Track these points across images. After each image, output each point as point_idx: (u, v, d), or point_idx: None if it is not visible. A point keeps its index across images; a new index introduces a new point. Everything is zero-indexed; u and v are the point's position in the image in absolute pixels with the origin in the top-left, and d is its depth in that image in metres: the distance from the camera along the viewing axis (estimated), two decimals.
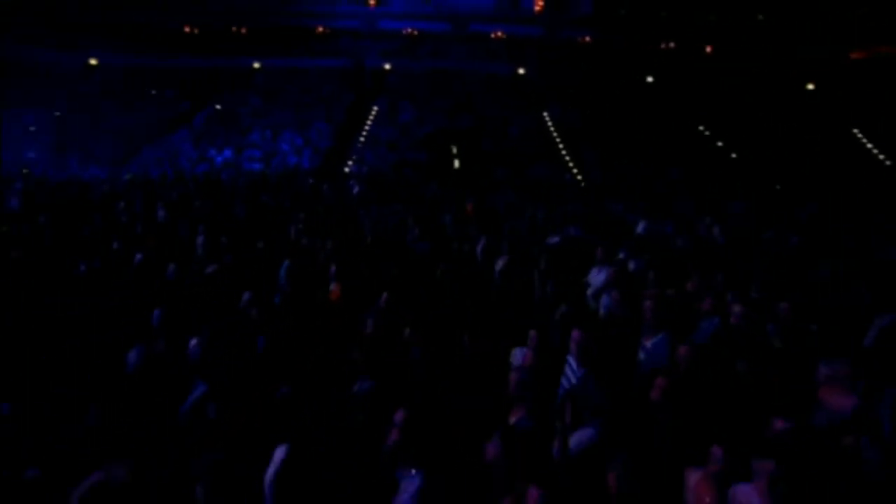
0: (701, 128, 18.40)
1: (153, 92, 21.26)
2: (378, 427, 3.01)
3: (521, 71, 22.07)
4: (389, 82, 21.93)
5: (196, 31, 25.09)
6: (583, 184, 14.29)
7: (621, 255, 5.65)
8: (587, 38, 23.18)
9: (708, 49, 22.50)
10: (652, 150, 15.59)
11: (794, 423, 2.53)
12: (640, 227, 7.30)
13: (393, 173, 14.99)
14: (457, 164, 16.24)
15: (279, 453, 2.75)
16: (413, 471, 2.60)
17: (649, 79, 21.36)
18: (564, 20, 23.04)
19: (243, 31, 24.95)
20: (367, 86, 21.68)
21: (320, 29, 24.53)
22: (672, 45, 22.70)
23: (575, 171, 15.72)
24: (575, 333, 3.40)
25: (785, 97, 19.34)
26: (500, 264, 5.40)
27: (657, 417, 2.87)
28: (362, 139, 18.87)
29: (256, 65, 23.04)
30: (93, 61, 22.34)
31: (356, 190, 11.48)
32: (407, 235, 7.15)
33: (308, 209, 8.95)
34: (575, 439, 2.79)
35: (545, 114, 19.51)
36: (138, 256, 6.13)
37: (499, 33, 23.47)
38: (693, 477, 2.46)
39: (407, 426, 2.79)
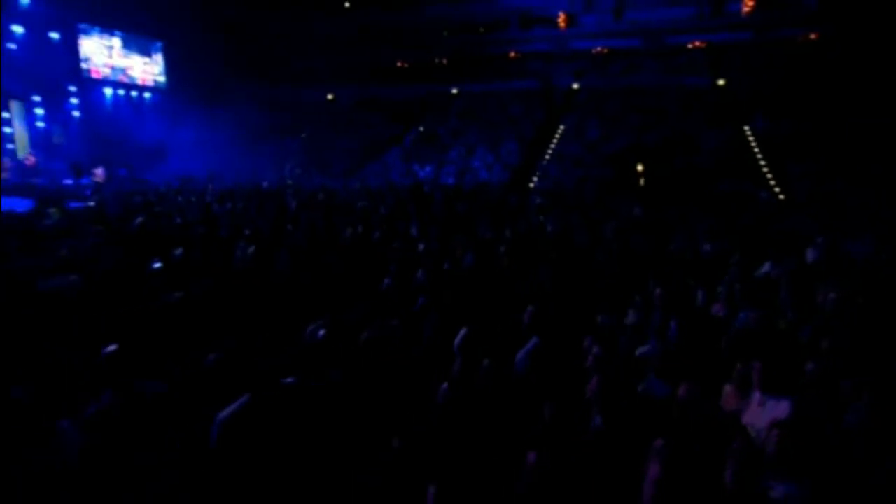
0: None
1: (374, 118, 26.18)
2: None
3: (721, 82, 21.20)
4: (577, 100, 23.18)
5: (407, 65, 30.10)
6: (782, 201, 13.53)
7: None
8: (812, 36, 21.07)
9: None
10: (879, 168, 13.85)
11: None
12: (810, 255, 6.60)
13: (575, 188, 16.24)
14: (643, 181, 16.66)
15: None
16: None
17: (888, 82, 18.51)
18: (780, 19, 21.41)
19: (444, 62, 29.05)
20: (556, 105, 23.27)
21: (512, 54, 27.05)
22: None
23: (776, 187, 14.84)
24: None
25: None
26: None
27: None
28: (548, 156, 20.50)
29: (455, 90, 26.60)
30: (329, 96, 28.55)
31: (537, 201, 13.17)
32: (575, 236, 8.37)
33: (493, 213, 10.82)
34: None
35: (746, 127, 18.55)
36: (376, 234, 8.55)
37: (696, 43, 22.90)
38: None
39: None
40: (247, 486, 2.67)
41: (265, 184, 16.55)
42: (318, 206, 11.72)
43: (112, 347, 3.56)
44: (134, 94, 23.27)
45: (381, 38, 27.74)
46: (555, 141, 21.29)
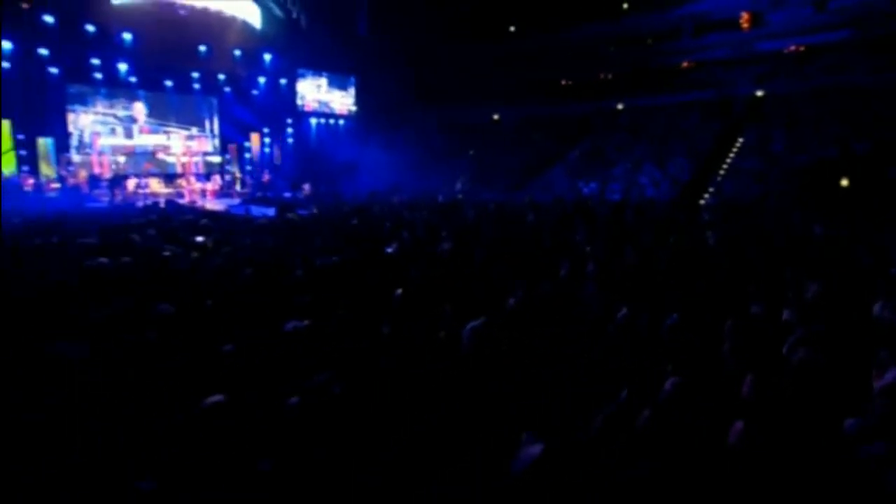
0: None
1: (537, 136, 27.65)
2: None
3: None
4: (761, 109, 21.75)
5: (570, 83, 31.10)
6: None
7: None
8: None
9: None
10: None
11: None
12: None
13: (752, 205, 15.55)
14: (846, 194, 15.23)
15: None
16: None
17: None
18: None
19: (609, 77, 29.36)
20: (734, 115, 22.15)
21: (685, 64, 26.31)
22: None
23: None
24: None
25: None
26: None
27: None
28: (723, 171, 19.71)
29: (620, 106, 26.79)
30: (495, 116, 30.86)
31: (706, 218, 13.19)
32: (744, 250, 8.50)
33: (657, 226, 11.26)
34: None
35: None
36: (547, 240, 9.77)
37: None
38: None
39: None
40: None
41: (440, 197, 19.04)
42: (491, 217, 13.43)
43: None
44: (332, 121, 28.22)
45: (544, 58, 29.15)
46: (732, 155, 20.35)
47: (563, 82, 31.21)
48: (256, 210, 15.13)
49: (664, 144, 22.04)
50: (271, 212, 14.28)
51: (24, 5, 17.31)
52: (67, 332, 4.04)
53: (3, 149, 17.86)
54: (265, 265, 6.40)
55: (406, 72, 28.13)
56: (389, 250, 7.49)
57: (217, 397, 2.87)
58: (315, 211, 14.10)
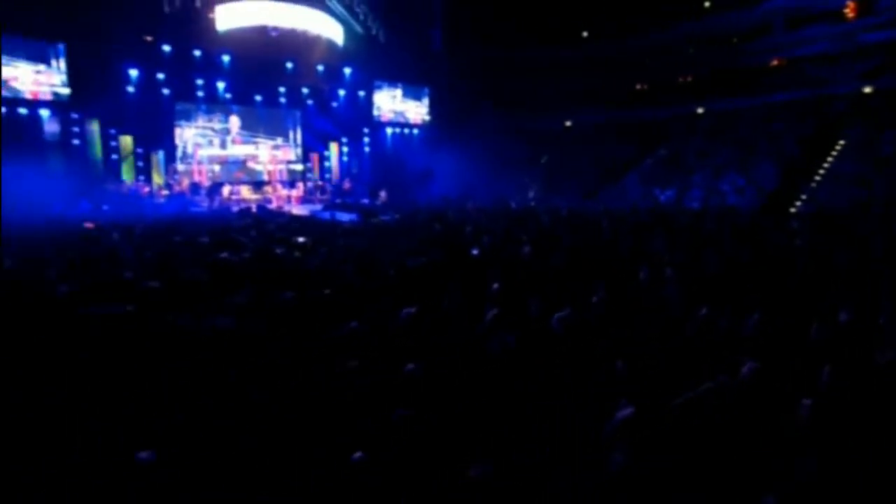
0: None
1: (610, 142, 27.43)
2: None
3: None
4: (867, 107, 20.28)
5: (646, 87, 30.55)
6: None
7: None
8: None
9: None
10: None
11: None
12: None
13: (850, 211, 14.73)
14: None
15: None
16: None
17: None
18: None
19: (689, 79, 28.54)
20: (833, 116, 20.87)
21: (775, 62, 25.10)
22: None
23: None
24: None
25: None
26: None
27: None
28: (818, 177, 18.71)
29: (700, 110, 25.98)
30: (567, 123, 30.89)
31: (794, 226, 12.71)
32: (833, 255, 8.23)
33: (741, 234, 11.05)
34: None
35: None
36: (624, 246, 9.95)
37: None
38: None
39: None
40: None
41: (513, 204, 19.52)
42: (566, 223, 13.73)
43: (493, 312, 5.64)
44: (406, 131, 29.47)
45: (619, 62, 28.87)
46: (829, 159, 19.24)
47: (639, 86, 30.72)
48: (341, 215, 16.35)
49: (748, 149, 21.22)
50: (355, 217, 15.40)
51: (148, 38, 20.15)
52: (215, 311, 4.95)
53: (126, 159, 20.74)
54: (361, 264, 7.20)
55: (479, 81, 28.91)
56: (475, 252, 8.09)
57: (353, 362, 3.55)
58: (396, 216, 15.04)
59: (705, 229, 12.25)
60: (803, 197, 18.05)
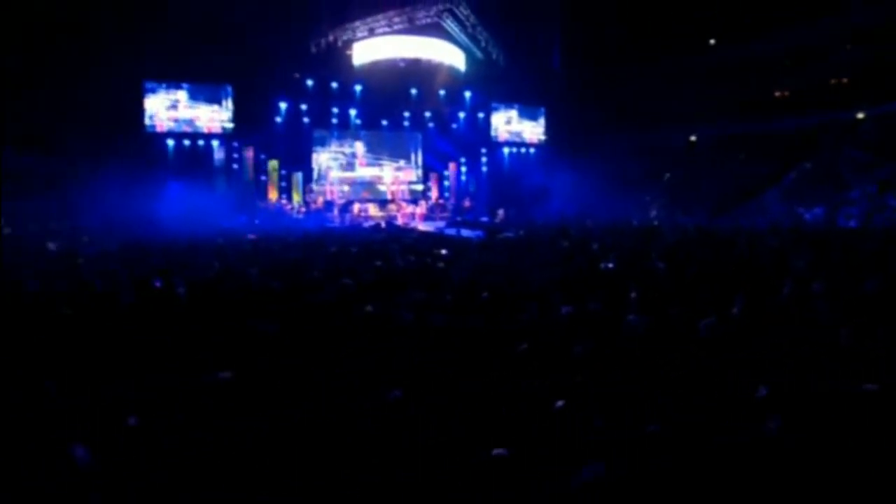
0: None
1: (741, 156, 26.09)
2: None
3: None
4: None
5: (786, 93, 28.31)
6: None
7: None
8: None
9: None
10: None
11: None
12: None
13: None
14: None
15: None
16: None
17: None
18: None
19: (844, 81, 25.79)
20: None
21: None
22: None
23: None
24: None
25: None
26: None
27: None
28: None
29: (860, 115, 23.34)
30: (692, 137, 29.78)
31: None
32: None
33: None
34: None
35: None
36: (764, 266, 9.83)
37: None
38: None
39: None
40: None
41: (635, 222, 19.55)
42: (694, 241, 13.69)
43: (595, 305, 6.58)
44: (523, 150, 30.47)
45: (751, 68, 27.15)
46: None
47: (778, 94, 28.72)
48: (467, 232, 17.70)
49: None
50: (480, 233, 16.62)
51: (296, 75, 24.03)
52: (397, 306, 6.18)
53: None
54: (507, 274, 8.20)
55: (596, 98, 29.12)
56: (610, 266, 8.70)
57: (523, 345, 4.47)
58: (521, 233, 15.96)
59: (865, 249, 11.60)
60: None
